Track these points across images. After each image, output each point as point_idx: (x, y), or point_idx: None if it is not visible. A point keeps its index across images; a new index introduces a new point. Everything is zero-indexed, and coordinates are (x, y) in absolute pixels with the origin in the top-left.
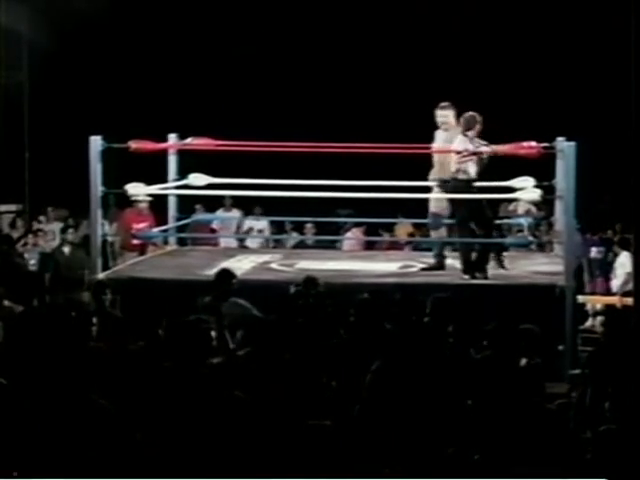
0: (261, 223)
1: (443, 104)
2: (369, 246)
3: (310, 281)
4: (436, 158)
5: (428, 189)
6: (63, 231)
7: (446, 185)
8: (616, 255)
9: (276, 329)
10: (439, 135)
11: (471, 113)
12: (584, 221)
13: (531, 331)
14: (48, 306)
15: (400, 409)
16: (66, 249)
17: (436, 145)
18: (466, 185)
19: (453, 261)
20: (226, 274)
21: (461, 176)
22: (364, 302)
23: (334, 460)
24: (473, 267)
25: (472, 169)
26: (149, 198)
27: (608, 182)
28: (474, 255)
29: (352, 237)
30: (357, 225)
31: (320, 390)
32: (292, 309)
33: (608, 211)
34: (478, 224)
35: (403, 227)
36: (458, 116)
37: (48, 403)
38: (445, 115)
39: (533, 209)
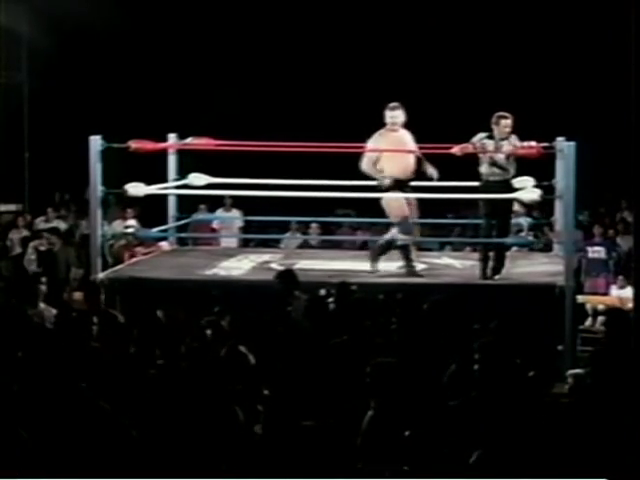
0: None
1: None
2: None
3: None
4: None
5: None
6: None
7: None
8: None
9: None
10: None
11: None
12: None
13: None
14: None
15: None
16: (54, 249)
17: None
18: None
19: (453, 261)
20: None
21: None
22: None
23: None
24: (494, 268)
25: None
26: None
27: (607, 182)
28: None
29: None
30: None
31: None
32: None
33: (608, 210)
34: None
35: None
36: None
37: (47, 403)
38: None
39: (521, 210)
